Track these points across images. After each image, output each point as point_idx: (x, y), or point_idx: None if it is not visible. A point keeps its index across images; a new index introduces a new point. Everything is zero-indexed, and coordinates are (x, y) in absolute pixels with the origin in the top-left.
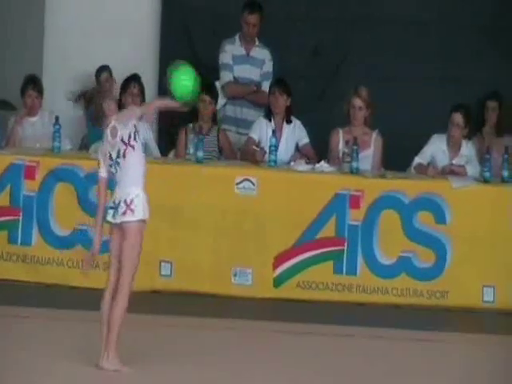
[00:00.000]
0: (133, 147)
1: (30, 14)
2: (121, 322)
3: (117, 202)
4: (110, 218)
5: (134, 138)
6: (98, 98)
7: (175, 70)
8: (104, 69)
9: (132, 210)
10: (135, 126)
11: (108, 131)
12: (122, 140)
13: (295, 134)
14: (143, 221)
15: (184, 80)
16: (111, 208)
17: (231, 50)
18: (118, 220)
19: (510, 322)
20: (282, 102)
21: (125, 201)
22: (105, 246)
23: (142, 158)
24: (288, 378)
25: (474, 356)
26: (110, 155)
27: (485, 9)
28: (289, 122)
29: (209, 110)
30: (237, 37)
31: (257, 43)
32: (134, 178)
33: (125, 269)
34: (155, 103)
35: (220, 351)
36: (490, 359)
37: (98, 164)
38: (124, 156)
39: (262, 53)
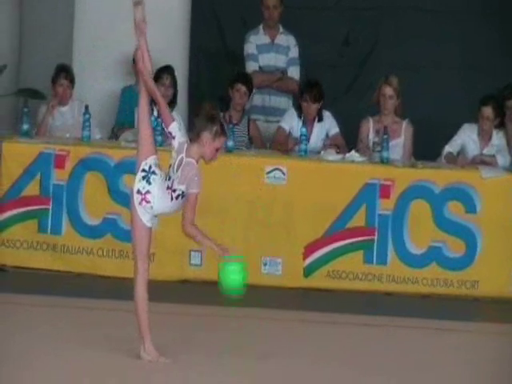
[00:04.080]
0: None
1: (59, 3)
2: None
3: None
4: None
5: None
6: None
7: (225, 265)
8: None
9: None
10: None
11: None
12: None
13: (325, 125)
14: None
15: (232, 275)
16: None
17: (255, 40)
18: None
19: None
20: (313, 108)
21: None
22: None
23: None
24: (317, 367)
25: (502, 346)
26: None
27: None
28: (320, 120)
29: (243, 100)
30: (260, 26)
31: (281, 30)
32: None
33: None
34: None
35: (250, 341)
36: None
37: None
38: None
39: (286, 39)
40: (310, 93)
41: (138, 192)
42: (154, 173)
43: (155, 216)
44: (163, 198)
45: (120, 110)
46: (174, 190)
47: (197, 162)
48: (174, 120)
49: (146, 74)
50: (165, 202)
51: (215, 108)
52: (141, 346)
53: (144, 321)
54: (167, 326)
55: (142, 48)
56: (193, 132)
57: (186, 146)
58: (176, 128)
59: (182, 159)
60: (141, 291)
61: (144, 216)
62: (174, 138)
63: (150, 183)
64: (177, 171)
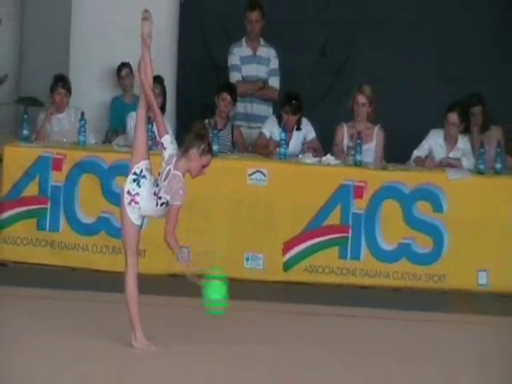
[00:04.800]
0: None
1: (57, 18)
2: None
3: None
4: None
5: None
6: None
7: (207, 285)
8: (125, 65)
9: None
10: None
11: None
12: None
13: (303, 131)
14: None
15: (213, 295)
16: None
17: (238, 52)
18: None
19: (502, 303)
20: (293, 119)
21: None
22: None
23: None
24: (296, 354)
25: (468, 335)
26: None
27: (483, 8)
28: (298, 129)
29: (228, 108)
30: (243, 39)
31: (262, 43)
32: None
33: None
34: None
35: (234, 330)
36: (483, 338)
37: None
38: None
39: (267, 51)
40: (290, 105)
41: (128, 193)
42: (144, 177)
43: (143, 216)
44: (149, 202)
45: (111, 118)
46: (160, 198)
47: (183, 175)
48: (167, 133)
49: (147, 86)
50: (151, 206)
51: (204, 127)
52: (132, 335)
53: (134, 311)
54: (157, 316)
55: (145, 61)
56: (182, 147)
57: (175, 158)
58: (168, 140)
59: (169, 171)
60: (131, 284)
61: (132, 214)
62: (164, 149)
63: (139, 186)
64: (164, 181)
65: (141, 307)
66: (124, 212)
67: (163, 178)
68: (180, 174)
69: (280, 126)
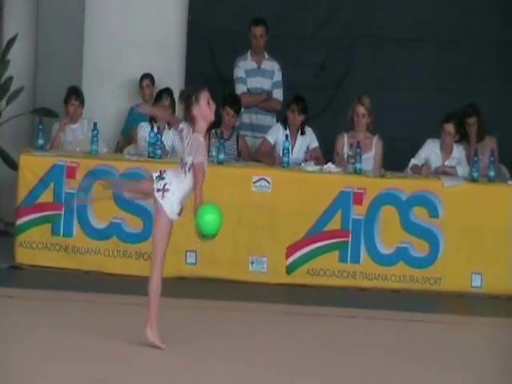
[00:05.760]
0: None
1: (71, 32)
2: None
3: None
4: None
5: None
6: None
7: (203, 208)
8: (146, 76)
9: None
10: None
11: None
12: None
13: (306, 139)
14: None
15: (209, 217)
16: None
17: (244, 65)
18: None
19: (495, 305)
20: (298, 119)
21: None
22: (137, 237)
23: None
24: (298, 353)
25: (462, 335)
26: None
27: (477, 24)
28: (303, 133)
29: (231, 121)
30: (248, 53)
31: (266, 57)
32: None
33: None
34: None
35: (239, 330)
36: (477, 338)
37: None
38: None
39: (271, 65)
40: (297, 105)
41: (158, 190)
42: (165, 171)
43: (179, 206)
44: (178, 179)
45: (126, 124)
46: (186, 164)
47: (203, 136)
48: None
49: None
50: (180, 182)
51: (185, 91)
52: (148, 329)
53: (155, 304)
54: (166, 317)
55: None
56: (189, 119)
57: (190, 129)
58: (184, 125)
59: (189, 137)
60: (155, 279)
61: (167, 207)
62: (181, 130)
63: (163, 178)
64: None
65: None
66: (158, 212)
67: (186, 148)
68: (198, 135)
69: (285, 129)
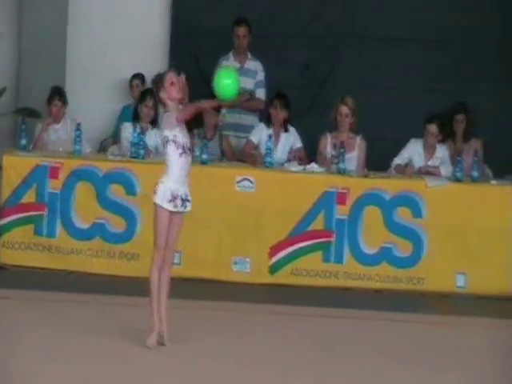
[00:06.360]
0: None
1: (53, 30)
2: None
3: (184, 195)
4: (179, 208)
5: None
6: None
7: (218, 72)
8: (136, 76)
9: (190, 202)
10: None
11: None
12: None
13: (290, 139)
14: None
15: (225, 80)
16: (182, 200)
17: (226, 65)
18: (187, 209)
19: (480, 305)
20: (281, 115)
21: (187, 194)
22: (121, 237)
23: None
24: (281, 352)
25: (446, 335)
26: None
27: (457, 24)
28: (286, 130)
29: (212, 120)
30: (231, 53)
31: (249, 56)
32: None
33: (175, 247)
34: (202, 104)
35: (225, 330)
36: (460, 338)
37: None
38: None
39: (254, 64)
40: (279, 100)
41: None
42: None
43: (170, 193)
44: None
45: (117, 124)
46: (167, 140)
47: (175, 117)
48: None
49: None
50: (171, 167)
51: (156, 76)
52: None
53: (152, 308)
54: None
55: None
56: (161, 103)
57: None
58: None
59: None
60: (152, 277)
61: (158, 197)
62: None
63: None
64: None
65: (136, 309)
66: (156, 206)
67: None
68: (167, 113)
69: (268, 127)
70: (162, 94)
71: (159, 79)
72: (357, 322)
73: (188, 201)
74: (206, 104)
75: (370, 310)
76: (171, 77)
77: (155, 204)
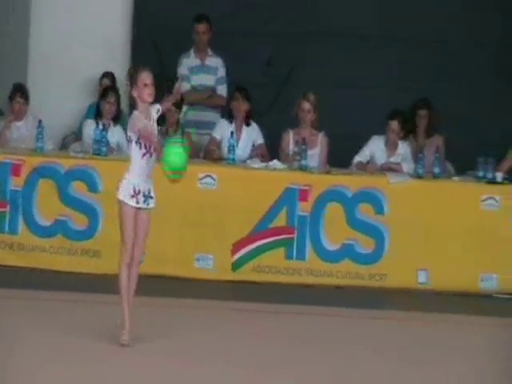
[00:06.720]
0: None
1: (15, 28)
2: None
3: (147, 192)
4: (142, 204)
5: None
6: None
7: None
8: (106, 75)
9: (153, 198)
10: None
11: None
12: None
13: (252, 135)
14: None
15: (175, 149)
16: (144, 196)
17: (187, 62)
18: (150, 206)
19: (441, 300)
20: (243, 106)
21: (150, 190)
22: (83, 234)
23: None
24: (243, 348)
25: (408, 331)
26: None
27: (422, 21)
28: (248, 124)
29: (174, 117)
30: (191, 50)
31: (210, 53)
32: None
33: (143, 245)
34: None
35: (186, 327)
36: (422, 333)
37: None
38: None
39: (214, 61)
40: (240, 92)
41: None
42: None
43: (132, 188)
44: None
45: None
46: (131, 140)
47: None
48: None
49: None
50: (133, 164)
51: (133, 68)
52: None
53: (123, 310)
54: (113, 314)
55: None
56: (132, 99)
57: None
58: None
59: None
60: (121, 274)
61: (121, 193)
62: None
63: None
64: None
65: (101, 306)
66: (119, 204)
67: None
68: (135, 112)
69: (231, 124)
70: (134, 92)
71: (134, 73)
72: (318, 318)
73: (151, 197)
74: (157, 145)
75: (332, 306)
76: (145, 77)
77: (119, 200)
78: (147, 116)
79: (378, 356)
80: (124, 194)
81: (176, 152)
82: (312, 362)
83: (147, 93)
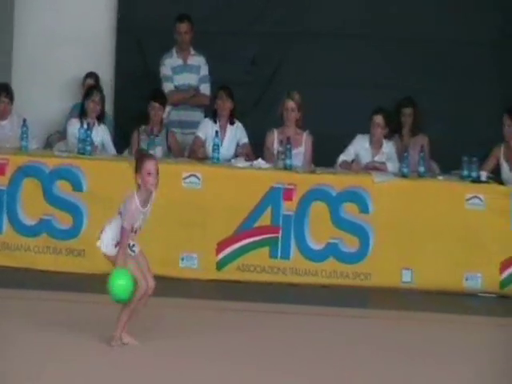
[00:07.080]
0: None
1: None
2: None
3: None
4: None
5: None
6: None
7: (112, 273)
8: (90, 75)
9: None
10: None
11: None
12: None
13: (237, 134)
14: None
15: (119, 280)
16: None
17: (170, 62)
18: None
19: (425, 299)
20: (227, 105)
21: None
22: (67, 234)
23: None
24: (228, 348)
25: (392, 330)
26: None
27: (407, 21)
28: (232, 123)
29: (158, 115)
30: (173, 50)
31: (192, 52)
32: None
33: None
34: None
35: (171, 326)
36: (407, 332)
37: None
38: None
39: (197, 60)
40: (224, 90)
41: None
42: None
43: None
44: (115, 222)
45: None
46: (120, 213)
47: (137, 196)
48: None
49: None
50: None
51: (140, 152)
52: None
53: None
54: (101, 314)
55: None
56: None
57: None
58: None
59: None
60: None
61: (103, 245)
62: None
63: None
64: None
65: (83, 305)
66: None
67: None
68: (132, 200)
69: (215, 122)
70: (137, 177)
71: (139, 159)
72: (302, 317)
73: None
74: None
75: (316, 305)
76: (150, 167)
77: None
78: (147, 200)
79: (363, 354)
80: (106, 244)
81: (121, 285)
82: (298, 361)
83: (151, 183)
